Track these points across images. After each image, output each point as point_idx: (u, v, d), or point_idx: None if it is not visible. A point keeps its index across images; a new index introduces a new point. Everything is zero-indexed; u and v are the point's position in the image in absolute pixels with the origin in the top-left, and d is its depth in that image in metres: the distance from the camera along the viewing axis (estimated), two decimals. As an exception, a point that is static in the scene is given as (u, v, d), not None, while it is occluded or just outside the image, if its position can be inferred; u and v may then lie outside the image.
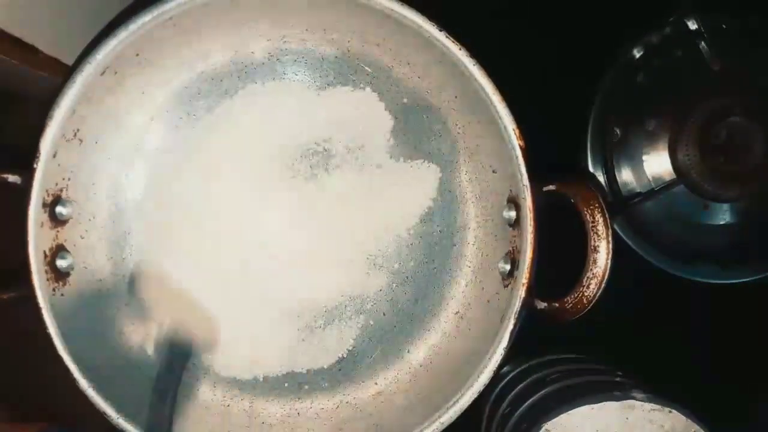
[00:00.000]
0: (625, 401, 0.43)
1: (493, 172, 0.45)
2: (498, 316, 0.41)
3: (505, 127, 0.39)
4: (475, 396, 0.40)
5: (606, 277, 0.39)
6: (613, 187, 0.60)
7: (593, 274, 0.39)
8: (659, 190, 0.58)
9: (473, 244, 0.48)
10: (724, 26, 0.57)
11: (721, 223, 0.58)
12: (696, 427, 0.43)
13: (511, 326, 0.40)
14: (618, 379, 0.49)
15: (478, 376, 0.40)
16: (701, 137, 0.57)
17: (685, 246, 0.59)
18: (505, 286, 0.43)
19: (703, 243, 0.59)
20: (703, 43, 0.56)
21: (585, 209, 0.40)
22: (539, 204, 0.40)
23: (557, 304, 0.40)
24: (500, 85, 0.40)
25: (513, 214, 0.42)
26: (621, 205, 0.59)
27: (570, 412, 0.44)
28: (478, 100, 0.41)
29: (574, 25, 0.60)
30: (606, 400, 0.43)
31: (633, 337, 0.57)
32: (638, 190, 0.59)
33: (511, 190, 0.42)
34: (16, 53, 0.42)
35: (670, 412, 0.43)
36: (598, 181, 0.59)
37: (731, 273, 0.58)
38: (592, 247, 0.39)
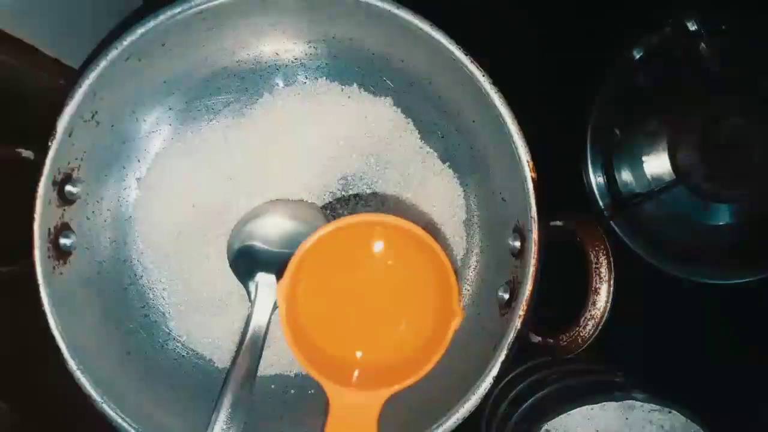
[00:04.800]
0: (625, 401, 0.44)
1: (503, 199, 0.44)
2: (491, 344, 0.41)
3: (519, 158, 0.39)
4: (460, 422, 0.40)
5: (604, 319, 0.39)
6: (613, 187, 0.60)
7: (591, 315, 0.39)
8: (659, 190, 0.58)
9: (474, 269, 0.48)
10: (723, 26, 0.57)
11: (721, 223, 0.58)
12: (696, 427, 0.43)
13: (503, 356, 0.39)
14: (618, 379, 0.49)
15: (465, 403, 0.39)
16: (701, 138, 0.57)
17: (685, 246, 0.59)
18: (501, 315, 0.42)
19: (703, 243, 0.58)
20: (702, 43, 0.56)
21: (590, 250, 0.39)
22: (545, 238, 0.39)
23: (552, 340, 0.40)
24: (500, 85, 0.40)
25: (517, 244, 0.42)
26: (621, 206, 0.59)
27: (570, 412, 0.44)
28: (495, 127, 0.40)
29: (574, 26, 0.60)
30: (606, 401, 0.44)
31: (633, 338, 0.57)
32: (638, 191, 0.59)
33: (518, 221, 0.42)
34: (16, 53, 0.42)
35: (669, 412, 0.43)
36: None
37: (731, 273, 0.57)
38: (593, 289, 0.39)
